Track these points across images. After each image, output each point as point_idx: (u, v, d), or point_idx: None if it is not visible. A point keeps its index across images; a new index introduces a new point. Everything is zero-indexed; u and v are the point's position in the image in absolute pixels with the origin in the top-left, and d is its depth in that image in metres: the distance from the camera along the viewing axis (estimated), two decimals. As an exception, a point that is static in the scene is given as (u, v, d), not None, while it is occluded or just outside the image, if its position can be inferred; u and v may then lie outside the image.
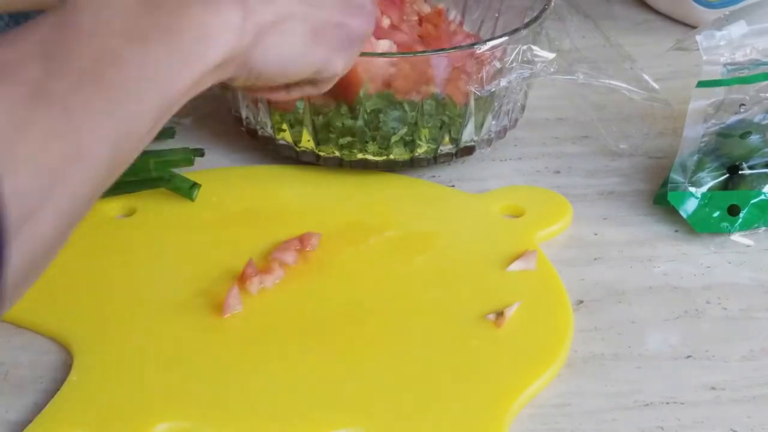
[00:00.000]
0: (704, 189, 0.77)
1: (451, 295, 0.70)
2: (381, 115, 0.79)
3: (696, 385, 0.64)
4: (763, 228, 0.77)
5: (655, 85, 0.80)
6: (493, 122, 0.84)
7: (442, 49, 0.82)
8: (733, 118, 0.77)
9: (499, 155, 0.87)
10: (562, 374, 0.65)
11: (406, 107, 0.79)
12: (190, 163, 0.82)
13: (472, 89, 0.79)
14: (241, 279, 0.70)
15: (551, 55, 0.79)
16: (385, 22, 0.84)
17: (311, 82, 0.66)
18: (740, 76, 0.76)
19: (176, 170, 0.80)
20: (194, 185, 0.79)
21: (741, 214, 0.76)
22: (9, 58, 0.47)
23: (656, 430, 0.61)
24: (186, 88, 0.53)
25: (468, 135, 0.82)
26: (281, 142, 0.83)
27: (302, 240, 0.74)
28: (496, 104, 0.82)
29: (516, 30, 0.80)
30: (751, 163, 0.77)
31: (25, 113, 0.45)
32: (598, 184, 0.83)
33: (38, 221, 0.46)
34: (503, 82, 0.79)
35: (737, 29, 0.77)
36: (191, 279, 0.71)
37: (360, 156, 0.81)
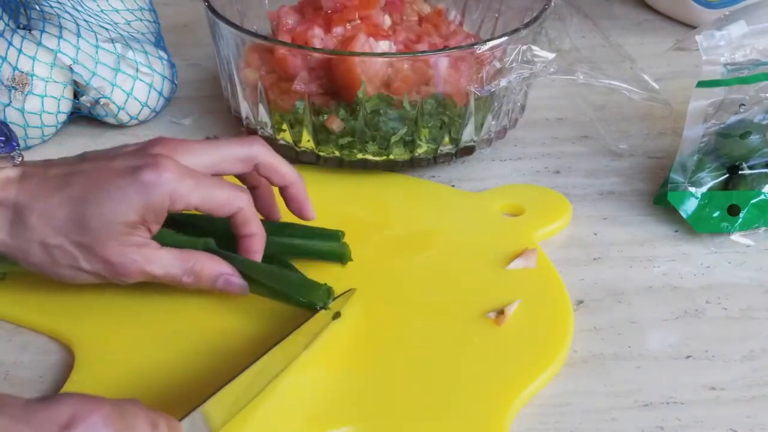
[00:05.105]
0: (704, 189, 0.77)
1: (451, 294, 0.70)
2: (381, 116, 0.79)
3: (696, 385, 0.64)
4: (763, 228, 0.77)
5: (655, 85, 0.81)
6: (493, 122, 0.84)
7: (442, 49, 0.82)
8: (733, 118, 0.77)
9: (499, 155, 0.87)
10: (562, 374, 0.65)
11: (406, 107, 0.79)
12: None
13: (472, 89, 0.79)
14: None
15: (551, 55, 0.79)
16: (387, 21, 0.84)
17: None
18: (740, 76, 0.76)
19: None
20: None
21: (741, 214, 0.76)
22: None
23: (656, 430, 0.61)
24: None
25: (468, 135, 0.82)
26: (281, 142, 0.83)
27: None
28: (496, 104, 0.82)
29: (516, 30, 0.80)
30: (751, 163, 0.77)
31: None
32: (598, 184, 0.83)
33: None
34: (503, 82, 0.79)
35: (737, 29, 0.77)
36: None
37: (360, 156, 0.81)
